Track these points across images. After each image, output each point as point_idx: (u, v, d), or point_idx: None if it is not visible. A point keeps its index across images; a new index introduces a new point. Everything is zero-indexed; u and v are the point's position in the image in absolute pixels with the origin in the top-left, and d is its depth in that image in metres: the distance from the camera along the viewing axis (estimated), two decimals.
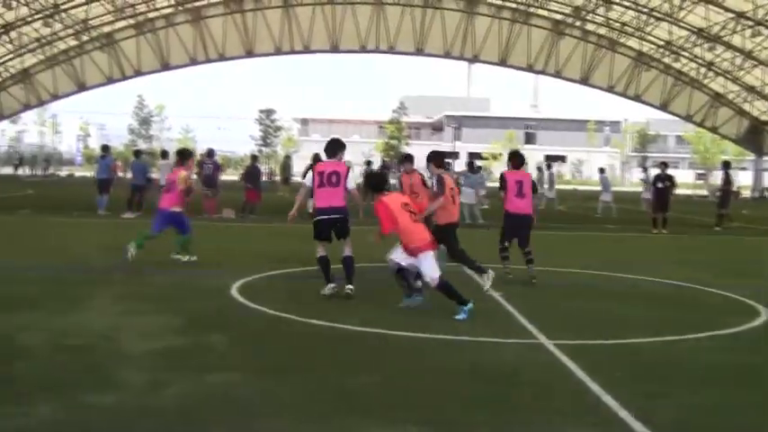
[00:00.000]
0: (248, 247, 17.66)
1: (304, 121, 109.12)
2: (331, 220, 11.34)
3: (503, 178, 13.62)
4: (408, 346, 8.77)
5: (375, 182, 11.11)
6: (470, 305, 9.92)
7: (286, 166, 44.90)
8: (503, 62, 57.24)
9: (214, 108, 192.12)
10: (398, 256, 10.32)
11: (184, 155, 14.98)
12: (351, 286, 11.19)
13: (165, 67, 59.27)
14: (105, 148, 28.50)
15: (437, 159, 12.38)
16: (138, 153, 29.75)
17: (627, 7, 47.39)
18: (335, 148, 11.89)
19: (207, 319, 9.81)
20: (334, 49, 58.15)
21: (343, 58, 66.18)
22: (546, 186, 36.00)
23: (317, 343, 8.76)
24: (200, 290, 11.78)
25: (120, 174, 35.09)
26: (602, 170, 36.49)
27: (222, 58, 58.93)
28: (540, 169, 38.13)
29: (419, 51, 57.80)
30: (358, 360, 8.10)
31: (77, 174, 72.70)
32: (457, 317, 9.80)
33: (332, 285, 11.30)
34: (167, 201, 14.30)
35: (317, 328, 9.34)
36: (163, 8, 55.10)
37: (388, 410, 6.49)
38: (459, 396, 6.94)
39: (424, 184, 13.19)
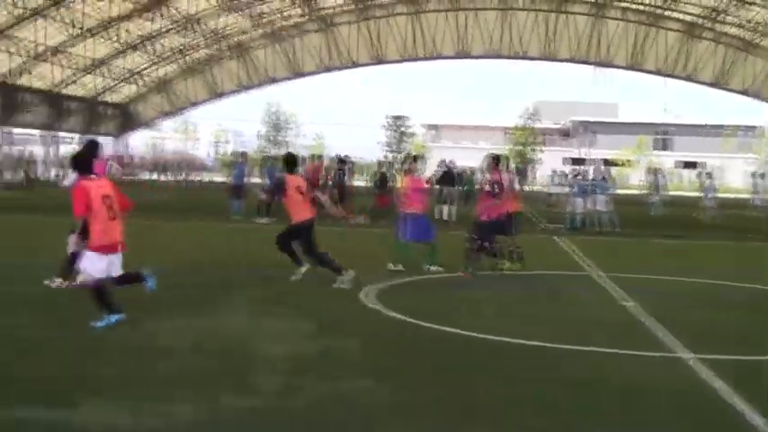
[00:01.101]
0: (379, 251, 17.73)
1: (434, 127, 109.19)
2: None
3: None
4: (538, 355, 8.67)
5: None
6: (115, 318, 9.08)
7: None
8: (632, 66, 56.07)
9: (345, 114, 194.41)
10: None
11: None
12: None
13: (297, 74, 60.47)
14: (242, 155, 29.34)
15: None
16: (269, 159, 30.43)
17: (764, 6, 45.63)
18: None
19: (339, 324, 9.96)
20: (463, 54, 58.08)
21: (473, 63, 66.53)
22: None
23: (449, 350, 8.78)
24: (332, 295, 11.94)
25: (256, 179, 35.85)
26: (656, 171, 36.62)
27: (353, 64, 59.68)
28: (654, 173, 37.80)
29: (548, 56, 57.18)
30: (489, 368, 8.08)
31: (214, 179, 74.66)
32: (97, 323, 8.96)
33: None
34: None
35: (447, 335, 9.36)
36: (294, 17, 56.23)
37: (518, 422, 6.45)
38: (592, 410, 6.83)
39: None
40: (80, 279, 9.61)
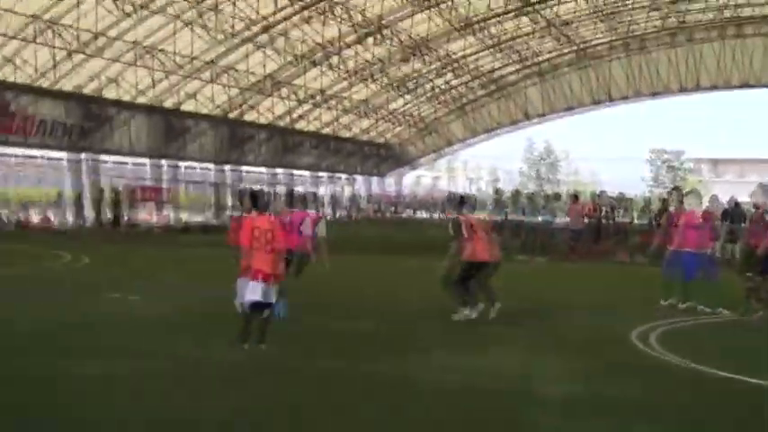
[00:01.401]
0: (647, 291, 16.91)
1: (714, 162, 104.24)
2: None
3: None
4: None
5: None
6: None
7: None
8: None
9: (618, 150, 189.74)
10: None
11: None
12: None
13: (569, 110, 60.05)
14: (497, 192, 29.49)
15: None
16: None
17: None
18: None
19: (611, 366, 9.56)
20: (744, 84, 55.00)
21: (756, 93, 62.39)
22: None
23: (722, 399, 8.16)
24: (602, 336, 11.57)
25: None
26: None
27: (627, 99, 58.52)
28: None
29: None
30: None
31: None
32: None
33: None
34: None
35: (727, 383, 8.71)
36: (560, 54, 55.89)
37: None
38: None
39: None
40: None
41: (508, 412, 7.48)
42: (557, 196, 28.98)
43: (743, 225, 25.74)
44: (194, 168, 49.32)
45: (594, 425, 7.16)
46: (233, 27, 39.38)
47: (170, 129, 44.62)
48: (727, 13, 49.30)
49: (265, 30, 40.86)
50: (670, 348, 10.32)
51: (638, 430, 7.03)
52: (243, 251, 10.01)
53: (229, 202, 48.41)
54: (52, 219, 39.89)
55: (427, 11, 42.83)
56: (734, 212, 25.20)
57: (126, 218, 41.00)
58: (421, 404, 7.69)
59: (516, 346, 10.63)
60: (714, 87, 55.77)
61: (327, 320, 12.24)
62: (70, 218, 40.34)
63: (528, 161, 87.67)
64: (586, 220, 26.23)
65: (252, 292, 9.74)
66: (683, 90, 56.36)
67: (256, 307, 9.75)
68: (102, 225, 39.19)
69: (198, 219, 45.42)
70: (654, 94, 57.11)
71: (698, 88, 56.15)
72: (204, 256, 24.23)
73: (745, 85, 54.81)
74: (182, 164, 47.45)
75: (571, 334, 11.70)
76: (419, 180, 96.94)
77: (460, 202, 13.72)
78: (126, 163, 44.67)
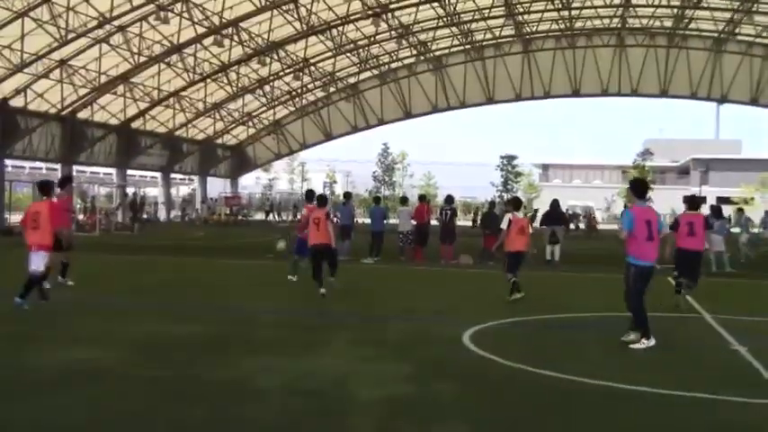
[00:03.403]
0: (484, 293, 17.46)
1: (545, 167, 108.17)
2: None
3: (676, 220, 15.96)
4: (657, 403, 8.18)
5: None
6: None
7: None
8: (754, 101, 54.24)
9: (454, 155, 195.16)
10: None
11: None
12: None
13: (408, 115, 60.89)
14: (347, 195, 29.48)
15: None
16: (377, 199, 30.46)
17: None
18: None
19: (438, 367, 9.69)
20: (575, 93, 57.49)
21: (584, 102, 65.03)
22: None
23: (553, 398, 8.34)
24: (433, 337, 11.71)
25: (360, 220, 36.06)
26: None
27: (463, 105, 59.76)
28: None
29: (663, 93, 56.01)
30: (600, 419, 7.66)
31: None
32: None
33: None
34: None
35: (552, 382, 8.96)
36: (405, 58, 56.76)
37: None
38: None
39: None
40: None
41: (328, 414, 7.46)
42: (403, 200, 29.10)
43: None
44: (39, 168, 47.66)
45: (405, 424, 7.21)
46: (86, 25, 38.27)
47: (11, 127, 42.86)
48: (564, 25, 51.68)
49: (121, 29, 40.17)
50: (493, 348, 10.56)
51: (446, 429, 7.14)
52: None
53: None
54: None
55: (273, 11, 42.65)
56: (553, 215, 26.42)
57: None
58: (241, 406, 7.57)
59: (343, 350, 10.65)
60: (548, 96, 57.99)
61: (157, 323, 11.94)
62: None
63: (382, 165, 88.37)
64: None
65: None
66: (517, 98, 58.25)
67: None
68: None
69: None
70: (491, 101, 58.65)
71: (532, 97, 58.24)
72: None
73: (575, 93, 57.33)
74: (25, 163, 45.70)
75: (402, 336, 11.81)
76: (257, 181, 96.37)
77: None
78: None
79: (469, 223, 52.45)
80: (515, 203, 16.63)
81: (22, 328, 11.64)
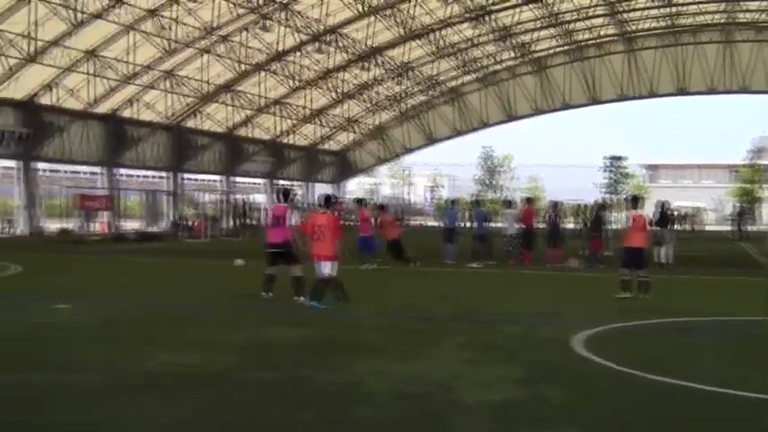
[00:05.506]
0: (593, 297, 17.09)
1: (652, 167, 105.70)
2: None
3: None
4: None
5: None
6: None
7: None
8: None
9: (560, 156, 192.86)
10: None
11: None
12: None
13: (511, 117, 60.44)
14: (453, 202, 29.47)
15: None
16: (477, 203, 30.29)
17: None
18: None
19: (547, 371, 9.48)
20: (681, 91, 56.03)
21: (691, 100, 62.91)
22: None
23: (665, 404, 8.06)
24: (541, 340, 11.50)
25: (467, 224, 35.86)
26: None
27: (567, 106, 59.00)
28: None
29: None
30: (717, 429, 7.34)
31: (428, 224, 75.54)
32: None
33: None
34: None
35: (666, 387, 8.65)
36: (506, 60, 56.36)
37: None
38: None
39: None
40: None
41: (435, 417, 7.36)
42: (508, 203, 28.78)
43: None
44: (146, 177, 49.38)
45: (513, 428, 7.05)
46: (190, 36, 39.32)
47: (122, 137, 44.45)
48: (669, 22, 50.48)
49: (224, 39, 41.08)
50: (603, 352, 10.28)
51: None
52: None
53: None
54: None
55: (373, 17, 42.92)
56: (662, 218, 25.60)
57: (73, 227, 40.74)
58: (354, 411, 7.53)
59: (452, 353, 10.53)
60: (653, 95, 56.76)
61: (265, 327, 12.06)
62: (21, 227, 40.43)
63: (482, 168, 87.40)
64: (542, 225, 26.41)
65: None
66: (622, 98, 57.20)
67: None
68: (33, 234, 38.85)
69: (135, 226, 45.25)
70: (594, 101, 57.76)
71: (636, 96, 57.08)
72: (131, 263, 24.22)
73: (681, 92, 55.93)
74: (135, 172, 47.49)
75: (511, 339, 11.63)
76: (359, 186, 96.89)
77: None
78: (78, 172, 44.55)
79: (577, 226, 51.49)
80: (635, 201, 17.06)
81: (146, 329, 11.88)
